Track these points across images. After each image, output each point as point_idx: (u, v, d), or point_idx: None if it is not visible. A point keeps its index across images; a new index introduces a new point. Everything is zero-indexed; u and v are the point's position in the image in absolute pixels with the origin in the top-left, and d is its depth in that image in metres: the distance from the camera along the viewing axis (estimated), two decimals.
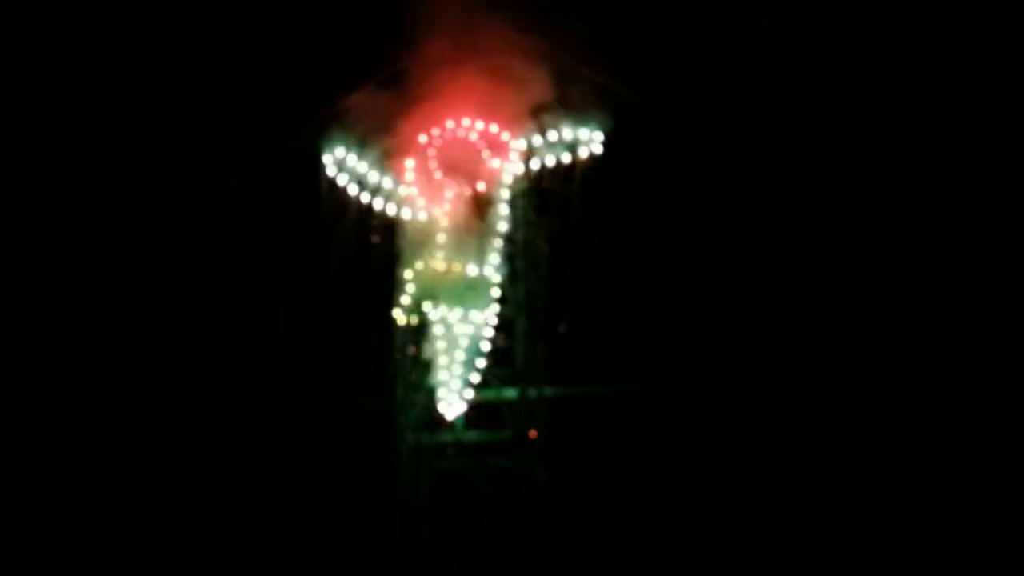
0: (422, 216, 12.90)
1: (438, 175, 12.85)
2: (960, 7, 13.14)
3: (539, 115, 12.89)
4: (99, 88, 13.50)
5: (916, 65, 13.19)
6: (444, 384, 12.64)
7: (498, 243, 12.80)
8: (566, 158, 12.99)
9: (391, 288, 12.88)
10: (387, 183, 12.94)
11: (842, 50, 13.30)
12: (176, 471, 13.04)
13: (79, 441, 12.96)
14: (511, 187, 12.91)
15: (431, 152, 12.84)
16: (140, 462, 13.00)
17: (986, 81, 13.15)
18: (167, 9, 13.56)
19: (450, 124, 12.83)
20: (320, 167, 12.96)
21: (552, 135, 12.95)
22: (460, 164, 12.88)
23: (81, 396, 13.02)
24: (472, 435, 12.90)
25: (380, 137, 12.94)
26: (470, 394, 12.70)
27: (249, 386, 13.17)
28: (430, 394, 12.74)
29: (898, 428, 12.77)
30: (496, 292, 12.72)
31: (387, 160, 12.94)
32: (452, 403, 12.66)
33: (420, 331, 12.81)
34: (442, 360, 12.63)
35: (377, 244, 13.08)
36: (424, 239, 12.84)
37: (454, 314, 12.59)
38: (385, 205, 12.97)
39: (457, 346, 12.60)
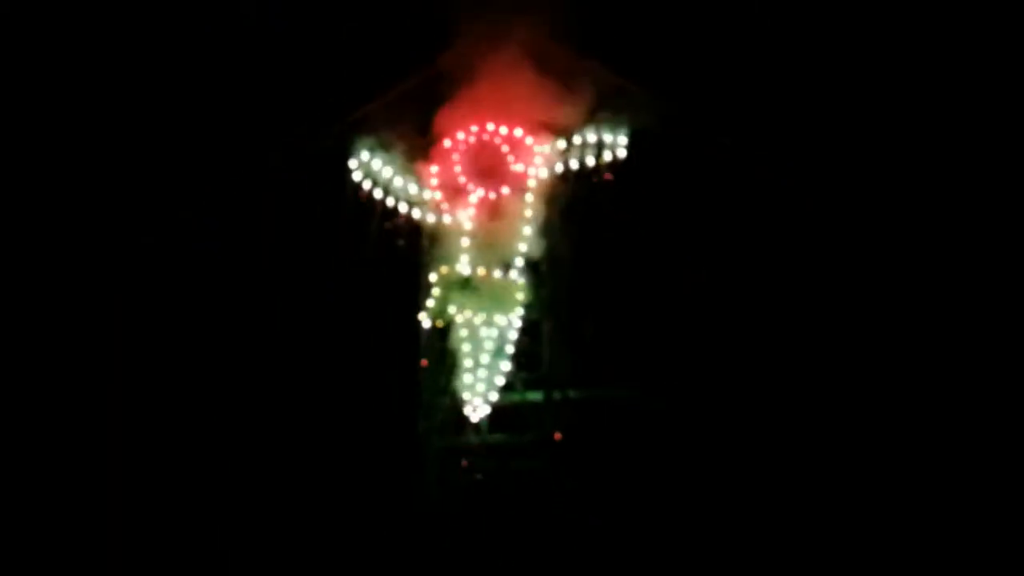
0: (447, 220, 12.97)
1: (463, 180, 12.91)
2: (960, 7, 13.10)
3: (564, 119, 12.93)
4: (111, 90, 13.61)
5: (916, 65, 13.16)
6: (469, 387, 12.68)
7: (523, 247, 12.84)
8: (591, 162, 13.00)
9: (416, 292, 12.95)
10: (412, 188, 13.01)
11: (842, 50, 13.27)
12: (183, 474, 13.12)
13: (79, 440, 13.04)
14: (536, 191, 12.95)
15: (456, 157, 12.91)
16: (142, 464, 13.09)
17: (986, 81, 13.11)
18: (187, 7, 13.65)
19: (475, 129, 12.89)
20: (346, 171, 13.03)
21: (577, 139, 12.98)
22: (485, 169, 12.93)
23: (81, 396, 13.11)
24: (497, 438, 12.93)
25: (405, 142, 13.01)
26: (495, 397, 12.74)
27: (269, 389, 13.23)
28: (455, 397, 12.78)
29: (904, 427, 12.76)
30: (521, 296, 12.74)
31: (412, 165, 13.01)
32: (477, 406, 12.70)
33: (445, 334, 12.87)
34: (467, 363, 12.68)
35: (402, 248, 13.15)
36: (449, 243, 12.91)
37: (479, 318, 12.65)
38: (410, 209, 13.07)
39: (482, 349, 12.64)
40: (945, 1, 13.12)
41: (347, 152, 13.03)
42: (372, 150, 12.99)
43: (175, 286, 13.46)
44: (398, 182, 13.02)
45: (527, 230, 12.86)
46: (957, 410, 12.68)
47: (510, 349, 12.73)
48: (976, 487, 12.51)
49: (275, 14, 13.52)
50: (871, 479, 12.71)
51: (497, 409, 12.79)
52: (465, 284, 12.66)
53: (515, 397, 12.91)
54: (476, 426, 12.83)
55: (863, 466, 12.74)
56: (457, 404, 12.77)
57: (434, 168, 12.94)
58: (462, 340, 12.70)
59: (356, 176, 13.02)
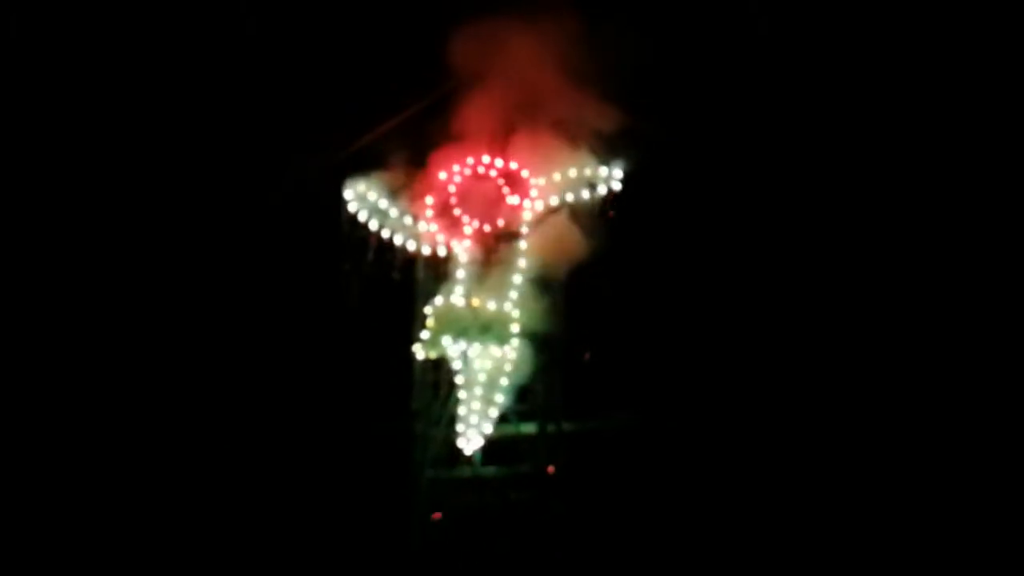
0: (442, 252, 12.98)
1: (458, 211, 12.93)
2: (960, 7, 13.17)
3: (559, 152, 12.95)
4: (122, 101, 13.74)
5: (911, 79, 13.25)
6: (463, 419, 12.63)
7: (517, 279, 12.81)
8: (586, 195, 13.01)
9: (411, 323, 12.93)
10: (407, 219, 13.02)
11: (842, 56, 13.34)
12: (178, 493, 13.08)
13: (77, 440, 13.02)
14: (530, 223, 12.95)
15: (451, 188, 12.93)
16: (149, 480, 13.08)
17: (986, 81, 13.17)
18: (189, 32, 13.71)
19: (470, 161, 12.92)
20: (341, 202, 13.03)
21: (572, 172, 12.99)
22: (480, 200, 12.95)
23: (78, 397, 13.10)
24: (491, 470, 12.87)
25: (401, 173, 13.03)
26: (489, 429, 12.68)
27: (262, 419, 13.21)
28: (449, 429, 12.73)
29: (905, 456, 12.76)
30: (515, 327, 12.70)
31: (407, 196, 13.02)
32: (471, 438, 12.64)
33: (439, 366, 12.85)
34: (461, 395, 12.64)
35: (397, 280, 13.14)
36: (444, 275, 12.92)
37: (473, 349, 12.62)
38: (405, 241, 13.07)
39: (476, 381, 12.61)
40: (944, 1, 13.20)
41: (343, 183, 13.03)
42: (368, 181, 12.99)
43: (167, 313, 13.47)
44: (393, 213, 13.02)
45: (522, 262, 12.84)
46: (960, 426, 12.68)
47: (504, 381, 12.67)
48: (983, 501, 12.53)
49: (272, 48, 13.60)
50: (871, 511, 12.68)
51: (491, 441, 12.74)
52: (459, 316, 12.64)
53: (509, 429, 12.86)
54: (469, 458, 12.78)
55: (863, 496, 12.71)
56: (451, 436, 12.72)
57: (429, 200, 12.96)
58: (456, 372, 12.68)
59: (352, 207, 13.02)
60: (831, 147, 13.35)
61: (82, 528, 12.93)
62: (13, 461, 12.97)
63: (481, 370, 12.62)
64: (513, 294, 12.77)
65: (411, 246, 13.07)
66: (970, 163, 13.16)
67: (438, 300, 12.74)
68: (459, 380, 12.67)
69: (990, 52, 13.16)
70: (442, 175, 12.94)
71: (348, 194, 13.02)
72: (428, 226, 12.98)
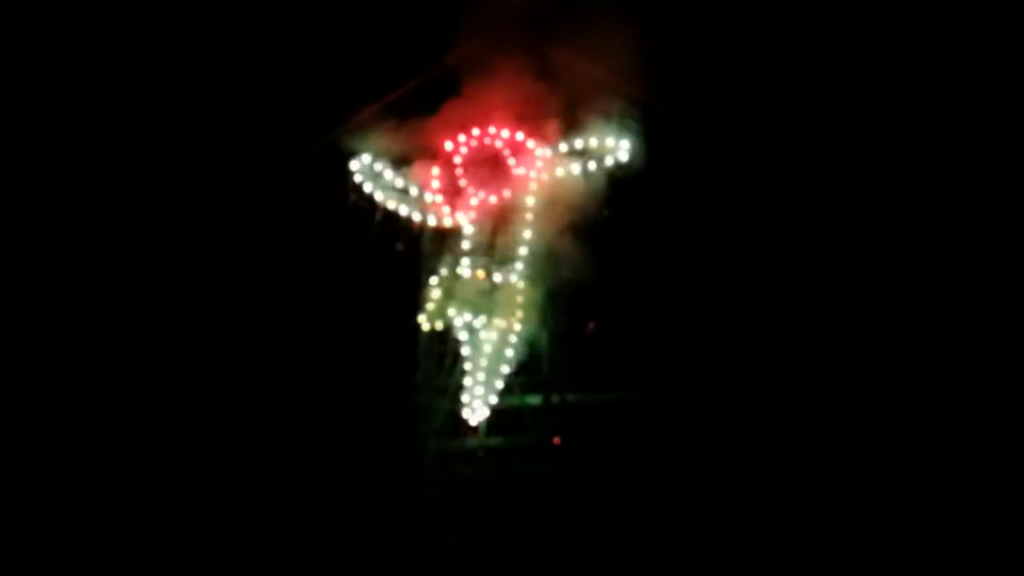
0: (447, 223, 12.95)
1: (463, 182, 12.89)
2: (960, 7, 13.08)
3: (565, 123, 12.89)
4: (124, 87, 13.71)
5: (915, 69, 13.16)
6: (468, 390, 12.64)
7: (523, 250, 12.79)
8: (592, 166, 12.95)
9: (416, 295, 12.92)
10: (413, 190, 12.99)
11: (843, 54, 13.27)
12: (180, 475, 13.11)
13: (80, 445, 13.06)
14: (536, 194, 12.89)
15: (457, 159, 12.89)
16: (149, 467, 13.11)
17: (986, 81, 13.08)
18: (192, 10, 13.67)
19: (476, 131, 12.87)
20: (347, 173, 13.01)
21: (578, 143, 12.93)
22: (486, 171, 12.91)
23: (83, 398, 13.14)
24: (496, 441, 12.88)
25: (406, 144, 12.99)
26: (494, 400, 12.69)
27: (266, 392, 13.23)
28: (454, 400, 12.74)
29: (909, 426, 12.73)
30: (521, 299, 12.68)
31: (413, 167, 12.99)
32: (476, 409, 12.65)
33: (445, 337, 12.84)
34: (466, 366, 12.65)
35: (402, 251, 13.13)
36: (449, 246, 12.89)
37: (479, 321, 12.62)
38: (411, 212, 13.04)
39: (481, 353, 12.61)
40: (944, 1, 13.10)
41: (348, 154, 12.99)
42: (373, 152, 12.95)
43: (173, 288, 13.49)
44: (399, 184, 13.00)
45: (527, 233, 12.81)
46: (959, 412, 12.64)
47: (509, 352, 12.66)
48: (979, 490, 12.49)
49: (276, 17, 13.55)
50: (876, 481, 12.65)
51: (496, 412, 12.74)
52: (465, 287, 12.63)
53: (514, 400, 12.86)
54: (475, 429, 12.79)
55: (869, 469, 12.68)
56: (456, 407, 12.72)
57: (435, 171, 12.92)
58: (461, 343, 12.68)
59: (357, 178, 12.99)
60: (843, 129, 13.29)
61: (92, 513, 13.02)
62: (13, 460, 12.98)
63: (486, 342, 12.61)
64: (519, 265, 12.76)
65: (416, 217, 13.05)
66: (969, 155, 13.09)
67: (443, 271, 12.73)
68: (464, 352, 12.67)
69: (990, 51, 13.06)
70: (448, 145, 12.88)
71: (353, 165, 12.99)
72: (433, 197, 12.95)
